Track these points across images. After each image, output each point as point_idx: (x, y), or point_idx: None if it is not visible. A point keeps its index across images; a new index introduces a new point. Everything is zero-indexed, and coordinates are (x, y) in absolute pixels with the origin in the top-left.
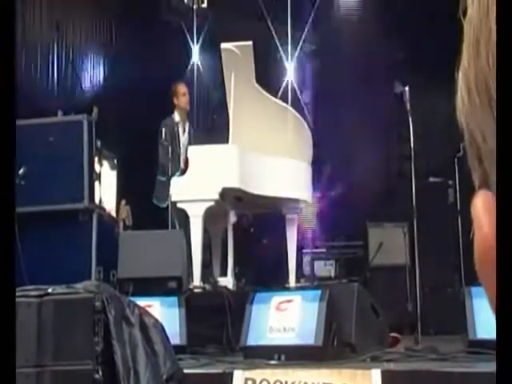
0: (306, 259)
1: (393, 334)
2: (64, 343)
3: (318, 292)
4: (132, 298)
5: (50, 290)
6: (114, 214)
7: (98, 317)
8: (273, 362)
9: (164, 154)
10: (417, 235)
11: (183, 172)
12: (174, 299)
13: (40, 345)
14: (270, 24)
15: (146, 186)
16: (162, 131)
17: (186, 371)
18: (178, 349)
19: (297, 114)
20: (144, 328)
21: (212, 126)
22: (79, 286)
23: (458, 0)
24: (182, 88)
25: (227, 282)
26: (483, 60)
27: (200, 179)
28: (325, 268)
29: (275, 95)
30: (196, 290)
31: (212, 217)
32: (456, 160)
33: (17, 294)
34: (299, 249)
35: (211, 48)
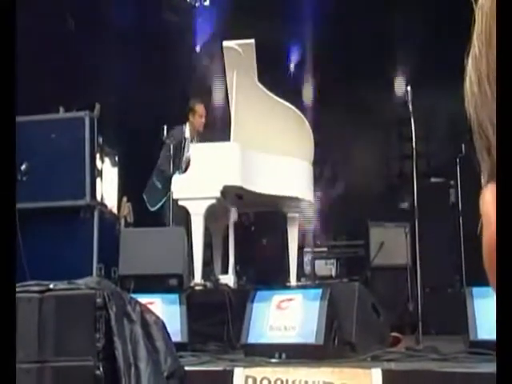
0: (307, 258)
1: (394, 334)
2: (65, 339)
3: (319, 291)
4: (133, 295)
5: (51, 286)
6: (115, 210)
7: (99, 313)
8: (273, 361)
9: (164, 156)
10: (418, 235)
11: (184, 171)
12: (175, 296)
13: (41, 340)
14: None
15: (147, 183)
16: (164, 129)
17: (186, 368)
18: (179, 346)
19: (299, 113)
20: (145, 325)
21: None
22: (80, 282)
23: None
24: (201, 109)
25: (228, 279)
26: (495, 51)
27: (201, 177)
28: (326, 267)
29: (277, 93)
30: (197, 288)
31: (213, 215)
32: (458, 160)
33: (18, 289)
34: (300, 247)
35: (213, 46)
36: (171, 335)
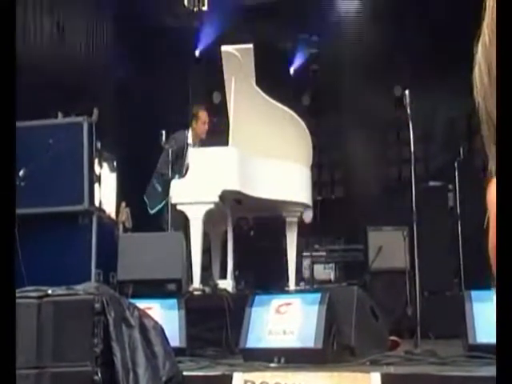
0: (306, 262)
1: (392, 338)
2: (63, 345)
3: (318, 295)
4: (132, 300)
5: (49, 292)
6: (113, 216)
7: (97, 318)
8: (272, 365)
9: (163, 160)
10: (416, 239)
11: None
12: (173, 301)
13: (39, 346)
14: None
15: (145, 188)
16: (162, 134)
17: (185, 373)
18: (178, 351)
19: (297, 117)
20: (144, 330)
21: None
22: (79, 287)
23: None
24: (204, 116)
25: (227, 284)
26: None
27: (200, 182)
28: (324, 271)
29: (276, 98)
30: (196, 293)
31: (212, 219)
32: (456, 164)
33: (16, 295)
34: (299, 252)
35: (211, 50)
36: (170, 340)
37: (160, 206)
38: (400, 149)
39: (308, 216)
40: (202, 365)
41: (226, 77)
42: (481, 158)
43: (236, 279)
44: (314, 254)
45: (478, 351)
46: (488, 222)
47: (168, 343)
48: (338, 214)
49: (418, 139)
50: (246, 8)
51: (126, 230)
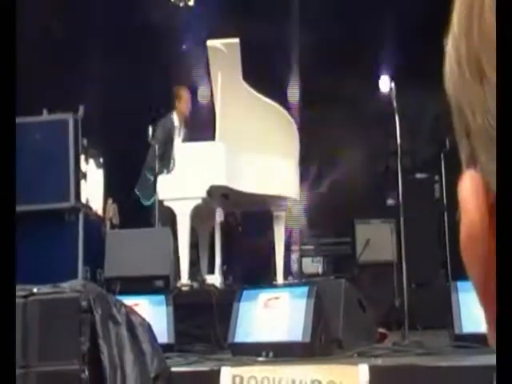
0: (294, 256)
1: (380, 330)
2: (50, 343)
3: (306, 289)
4: (119, 297)
5: (35, 290)
6: (100, 213)
7: (84, 316)
8: (261, 359)
9: (152, 155)
10: (404, 231)
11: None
12: (161, 298)
13: (25, 345)
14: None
15: (132, 184)
16: (150, 129)
17: (173, 369)
18: (166, 347)
19: (284, 111)
20: (131, 327)
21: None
22: (65, 285)
23: None
24: (185, 93)
25: (215, 279)
26: (475, 35)
27: (187, 177)
28: (312, 265)
29: (263, 92)
30: (183, 289)
31: (199, 215)
32: (442, 155)
33: None
34: (287, 246)
35: (198, 45)
36: (158, 336)
37: (155, 196)
38: (387, 141)
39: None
40: (191, 360)
41: (212, 71)
42: None
43: (224, 274)
44: (302, 247)
45: (464, 341)
46: (460, 217)
47: (155, 340)
48: (325, 207)
49: (405, 131)
50: (232, 2)
51: (113, 226)
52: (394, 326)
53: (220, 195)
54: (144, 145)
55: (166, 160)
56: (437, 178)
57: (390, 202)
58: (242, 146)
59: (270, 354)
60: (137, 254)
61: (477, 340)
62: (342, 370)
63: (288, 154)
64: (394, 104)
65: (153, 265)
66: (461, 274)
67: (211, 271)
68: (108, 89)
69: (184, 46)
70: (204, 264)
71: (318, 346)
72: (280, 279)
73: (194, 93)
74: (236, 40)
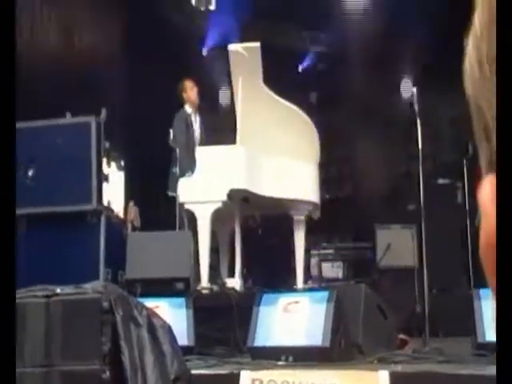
0: (314, 260)
1: (401, 336)
2: (72, 343)
3: (326, 293)
4: (140, 299)
5: (58, 291)
6: (122, 215)
7: (105, 317)
8: (280, 363)
9: (176, 159)
10: (425, 237)
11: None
12: (181, 300)
13: (48, 345)
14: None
15: (154, 187)
16: (171, 132)
17: (193, 372)
18: (186, 350)
19: (304, 116)
20: (152, 329)
21: (220, 127)
22: (87, 286)
23: None
24: (189, 82)
25: (235, 283)
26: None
27: (207, 180)
28: (332, 269)
29: (284, 96)
30: (203, 291)
31: (220, 218)
32: (465, 161)
33: (25, 294)
34: (307, 250)
35: (219, 49)
36: (178, 339)
37: None
38: (408, 146)
39: (316, 214)
40: (210, 363)
41: (233, 76)
42: None
43: (244, 278)
44: (322, 251)
45: (486, 350)
46: (480, 223)
47: (176, 342)
48: (345, 211)
49: (427, 136)
50: (254, 6)
51: (134, 228)
52: (415, 333)
53: (240, 199)
54: (165, 148)
55: (190, 150)
56: (459, 184)
57: (411, 207)
58: (262, 150)
59: (290, 359)
60: (157, 257)
61: None
62: (362, 375)
63: (308, 158)
64: (416, 109)
65: (173, 267)
66: (483, 281)
67: (231, 274)
68: (130, 92)
69: (205, 50)
70: (224, 267)
71: (338, 350)
72: (300, 283)
73: (215, 96)
74: (257, 44)
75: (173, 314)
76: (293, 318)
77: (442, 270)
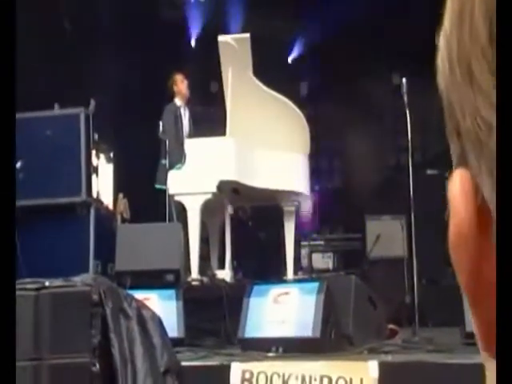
0: (304, 251)
1: (391, 326)
2: (61, 336)
3: (316, 284)
4: (129, 291)
5: (46, 283)
6: (111, 207)
7: (95, 310)
8: (270, 354)
9: (164, 146)
10: (414, 227)
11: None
12: (171, 292)
13: (37, 338)
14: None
15: (143, 178)
16: (160, 125)
17: (183, 364)
18: (176, 341)
19: (294, 107)
20: (141, 321)
21: (210, 118)
22: (76, 279)
23: None
24: (179, 76)
25: (225, 274)
26: (466, 34)
27: (197, 172)
28: (323, 260)
29: (273, 87)
30: (194, 283)
31: (209, 210)
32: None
33: None
34: (297, 241)
35: (209, 40)
36: (168, 330)
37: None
38: (397, 137)
39: (306, 205)
40: (200, 355)
41: (222, 67)
42: None
43: (234, 269)
44: (312, 243)
45: (475, 339)
46: (448, 217)
47: (166, 334)
48: (335, 202)
49: (415, 127)
50: None
51: (123, 220)
52: (405, 323)
53: (230, 190)
54: (154, 140)
55: (179, 143)
56: (447, 174)
57: (401, 198)
58: (252, 142)
59: (280, 350)
60: (147, 249)
61: None
62: (352, 366)
63: (298, 150)
64: (405, 99)
65: (163, 259)
66: None
67: (221, 266)
68: (118, 83)
69: (194, 41)
70: (214, 259)
71: (328, 341)
72: (290, 274)
73: (204, 88)
74: (247, 35)
75: (163, 306)
76: (283, 309)
77: (431, 260)
